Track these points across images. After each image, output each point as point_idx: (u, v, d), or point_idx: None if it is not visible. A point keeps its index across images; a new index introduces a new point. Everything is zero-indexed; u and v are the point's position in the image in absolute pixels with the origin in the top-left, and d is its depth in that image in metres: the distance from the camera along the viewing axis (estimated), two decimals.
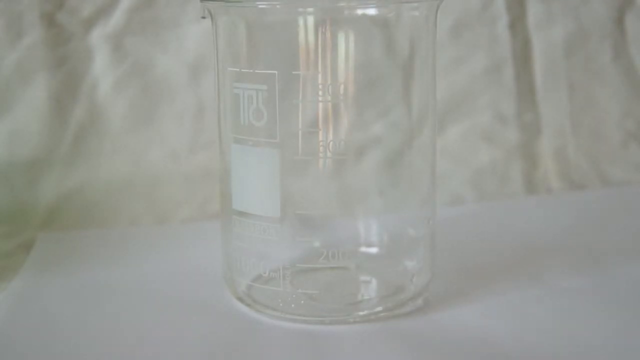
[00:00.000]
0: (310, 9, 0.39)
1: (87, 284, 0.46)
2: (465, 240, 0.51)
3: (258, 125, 0.40)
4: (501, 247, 0.50)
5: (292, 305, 0.41)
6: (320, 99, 0.40)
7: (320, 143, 0.40)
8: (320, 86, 0.39)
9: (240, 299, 0.42)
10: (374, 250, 0.45)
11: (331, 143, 0.40)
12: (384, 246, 0.45)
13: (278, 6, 0.40)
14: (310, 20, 0.39)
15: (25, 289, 0.45)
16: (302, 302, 0.41)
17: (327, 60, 0.39)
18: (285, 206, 0.40)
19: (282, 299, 0.41)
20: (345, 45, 0.40)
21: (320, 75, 0.39)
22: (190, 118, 0.58)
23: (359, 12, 0.39)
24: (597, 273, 0.46)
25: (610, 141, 0.64)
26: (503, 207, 0.59)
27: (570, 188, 0.62)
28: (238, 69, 0.41)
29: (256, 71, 0.40)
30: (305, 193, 0.41)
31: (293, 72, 0.40)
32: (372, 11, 0.40)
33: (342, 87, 0.40)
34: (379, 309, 0.41)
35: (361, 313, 0.41)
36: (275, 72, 0.39)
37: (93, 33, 0.57)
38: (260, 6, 0.40)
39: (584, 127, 0.64)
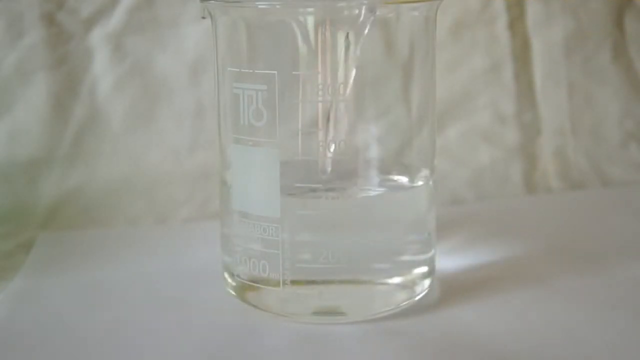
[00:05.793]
0: (310, 9, 0.39)
1: (87, 284, 0.46)
2: (464, 240, 0.51)
3: (258, 125, 0.40)
4: (501, 247, 0.50)
5: (292, 305, 0.41)
6: (320, 99, 0.40)
7: (320, 143, 0.40)
8: (320, 86, 0.39)
9: (241, 299, 0.42)
10: (373, 249, 0.45)
11: (331, 143, 0.40)
12: (383, 246, 0.45)
13: (278, 6, 0.40)
14: (310, 20, 0.39)
15: (25, 289, 0.45)
16: (302, 302, 0.41)
17: (327, 60, 0.39)
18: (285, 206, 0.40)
19: (282, 298, 0.41)
20: (345, 45, 0.40)
21: (320, 75, 0.39)
22: (190, 118, 0.58)
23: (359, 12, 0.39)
24: (597, 273, 0.46)
25: (610, 141, 0.64)
26: (503, 207, 0.59)
27: (570, 188, 0.62)
28: (238, 69, 0.41)
29: (256, 71, 0.40)
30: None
31: (293, 72, 0.40)
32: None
33: (342, 87, 0.40)
34: (379, 309, 0.41)
35: (361, 313, 0.41)
36: (275, 72, 0.39)
37: (93, 33, 0.57)
38: (260, 6, 0.40)
39: (584, 127, 0.64)
